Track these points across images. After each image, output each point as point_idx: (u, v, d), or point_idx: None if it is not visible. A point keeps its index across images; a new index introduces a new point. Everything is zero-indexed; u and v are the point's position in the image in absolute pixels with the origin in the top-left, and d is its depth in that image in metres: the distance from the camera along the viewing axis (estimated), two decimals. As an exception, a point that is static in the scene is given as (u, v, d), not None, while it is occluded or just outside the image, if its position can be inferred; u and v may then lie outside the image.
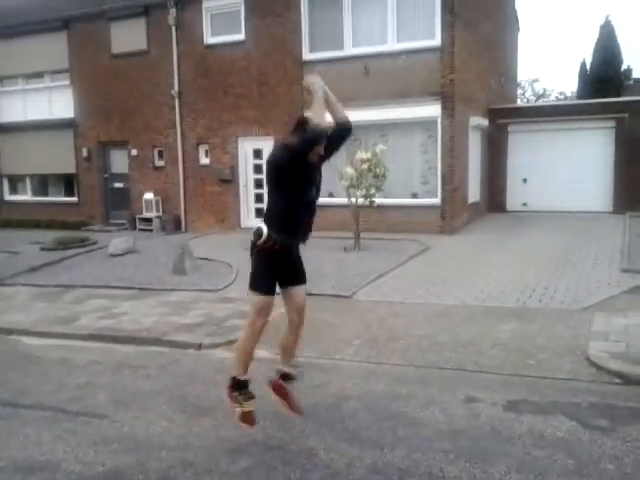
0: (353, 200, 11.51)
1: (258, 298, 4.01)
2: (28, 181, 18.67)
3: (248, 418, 4.03)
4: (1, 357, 6.35)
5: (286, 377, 4.30)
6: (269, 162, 4.03)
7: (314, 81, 3.98)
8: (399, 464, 3.72)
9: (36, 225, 16.95)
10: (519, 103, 27.54)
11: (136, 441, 4.18)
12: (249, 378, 4.12)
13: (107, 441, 4.19)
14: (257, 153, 15.01)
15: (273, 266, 3.99)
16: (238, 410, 4.03)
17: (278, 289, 4.15)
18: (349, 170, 11.22)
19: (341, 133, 4.13)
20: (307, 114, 3.92)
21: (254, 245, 3.97)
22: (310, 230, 4.15)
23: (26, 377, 5.60)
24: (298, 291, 4.18)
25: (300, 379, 4.42)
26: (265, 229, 3.90)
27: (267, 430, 4.19)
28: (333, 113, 4.13)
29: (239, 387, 4.06)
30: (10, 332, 7.19)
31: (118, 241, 12.29)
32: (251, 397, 4.07)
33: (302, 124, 3.89)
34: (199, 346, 6.28)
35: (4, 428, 4.49)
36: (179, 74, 15.48)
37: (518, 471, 3.57)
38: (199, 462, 3.85)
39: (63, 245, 12.93)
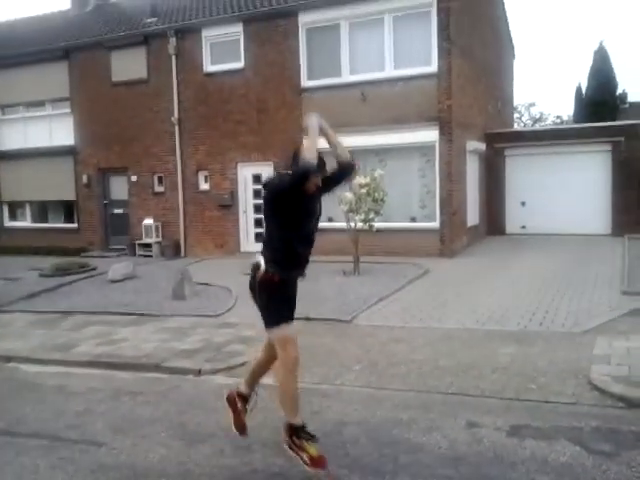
0: (352, 224, 11.53)
1: (279, 331, 3.88)
2: (28, 207, 18.72)
3: (319, 462, 3.78)
4: (-1, 385, 6.29)
5: (242, 396, 4.30)
6: (269, 193, 3.97)
7: (311, 118, 3.97)
8: (401, 491, 3.66)
9: (35, 251, 16.95)
10: (516, 127, 27.78)
11: (135, 469, 4.13)
12: (304, 422, 3.92)
13: (105, 469, 4.14)
14: (256, 178, 15.07)
15: (281, 296, 3.92)
16: (305, 457, 3.78)
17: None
18: (348, 194, 11.26)
19: (342, 173, 4.15)
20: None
21: (254, 281, 3.91)
22: (308, 262, 4.11)
23: (24, 405, 5.55)
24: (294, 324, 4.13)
25: (254, 405, 4.36)
26: (262, 263, 3.86)
27: (267, 458, 4.14)
28: (335, 153, 4.12)
29: (297, 433, 3.85)
30: (8, 359, 7.14)
31: (118, 267, 12.28)
32: (312, 438, 3.87)
33: (298, 156, 3.91)
34: (199, 372, 6.23)
35: (0, 457, 4.43)
36: (179, 101, 15.64)
37: (522, 497, 3.52)
38: (198, 490, 3.80)
39: (62, 271, 12.91)
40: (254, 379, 4.35)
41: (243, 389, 4.33)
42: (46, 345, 7.57)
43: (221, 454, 4.27)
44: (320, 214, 4.15)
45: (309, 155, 3.74)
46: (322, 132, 3.97)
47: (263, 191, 4.07)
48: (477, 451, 4.15)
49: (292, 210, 3.86)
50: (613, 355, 5.93)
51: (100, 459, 4.31)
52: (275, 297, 3.90)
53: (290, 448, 3.87)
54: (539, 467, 3.88)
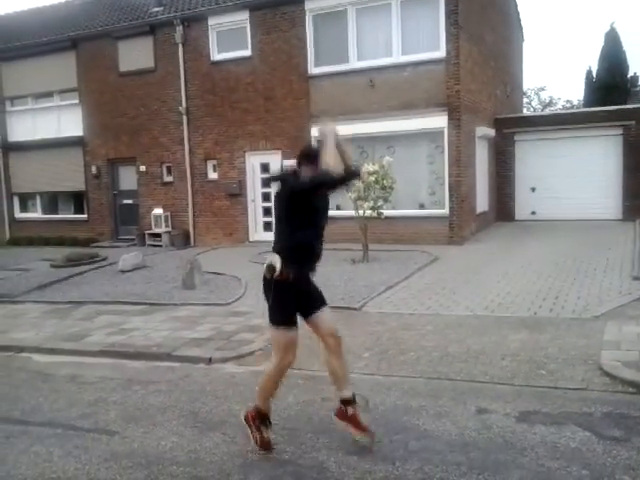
0: (361, 212, 11.51)
1: (281, 333, 3.94)
2: (38, 199, 18.84)
3: (267, 444, 4.09)
4: (12, 375, 6.37)
5: (346, 402, 4.09)
6: (286, 192, 3.98)
7: (325, 127, 4.04)
8: (411, 478, 3.68)
9: (46, 242, 17.08)
10: (525, 112, 27.53)
11: (147, 457, 4.18)
12: (269, 413, 4.16)
13: (118, 457, 4.19)
14: (264, 167, 15.08)
15: (291, 298, 3.93)
16: (257, 436, 4.07)
17: (304, 323, 4.09)
18: (356, 182, 11.23)
19: (346, 180, 4.12)
20: (321, 160, 3.93)
21: (269, 280, 3.90)
22: (320, 258, 4.15)
23: (37, 394, 5.61)
24: (324, 315, 4.10)
25: (362, 401, 4.39)
26: (278, 262, 3.84)
27: (278, 445, 4.17)
28: (343, 160, 4.11)
29: (262, 418, 4.10)
30: (21, 350, 7.22)
31: (127, 257, 12.35)
32: (269, 425, 4.14)
33: (307, 155, 4.05)
34: (209, 360, 6.28)
35: (15, 446, 4.50)
36: (186, 91, 15.62)
37: (532, 483, 3.53)
38: (210, 477, 3.84)
39: (73, 262, 13.00)
40: (341, 378, 4.14)
41: (343, 394, 4.11)
42: (58, 335, 7.64)
43: (232, 442, 4.31)
44: (328, 209, 4.21)
45: (330, 165, 3.83)
46: (335, 140, 3.98)
47: (275, 188, 4.11)
48: (487, 437, 4.16)
49: (309, 209, 3.94)
50: (623, 340, 5.91)
51: (113, 447, 4.37)
52: (285, 298, 3.90)
53: (247, 423, 4.12)
54: (548, 453, 3.88)
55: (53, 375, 6.22)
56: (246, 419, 4.14)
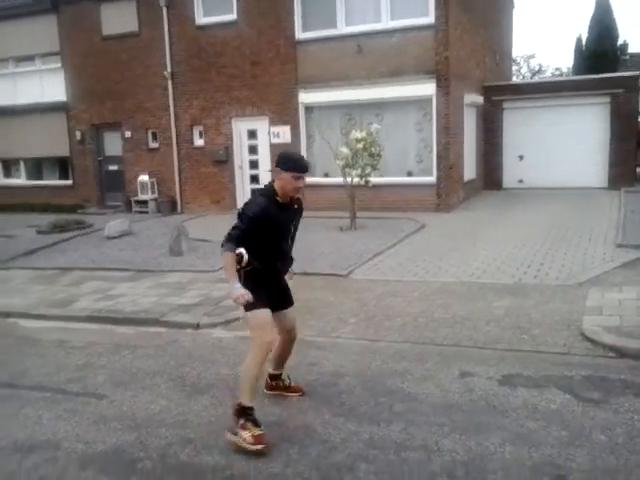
0: (349, 180, 11.49)
1: (253, 314, 3.86)
2: (22, 165, 18.55)
3: (260, 438, 3.72)
4: None
5: (274, 377, 4.44)
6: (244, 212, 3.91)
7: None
8: (395, 438, 3.78)
9: (31, 209, 16.88)
10: (514, 80, 27.38)
11: (136, 420, 4.23)
12: (253, 405, 3.88)
13: (107, 420, 4.25)
14: (252, 133, 14.93)
15: (261, 284, 3.90)
16: (248, 435, 3.72)
17: None
18: (344, 150, 11.18)
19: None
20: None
21: (238, 270, 3.82)
22: (292, 261, 4.21)
23: (24, 359, 5.64)
24: (290, 314, 4.19)
25: (287, 379, 4.50)
26: (245, 254, 3.81)
27: (265, 407, 4.24)
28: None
29: (246, 414, 3.82)
30: (7, 315, 7.22)
31: (114, 224, 12.28)
32: (258, 424, 3.79)
33: (285, 161, 3.90)
34: (197, 326, 6.32)
35: (4, 408, 4.54)
36: (171, 55, 15.30)
37: (512, 443, 3.63)
38: (199, 439, 3.91)
39: (59, 228, 12.91)
40: (280, 362, 4.42)
41: (273, 371, 4.42)
42: (45, 301, 7.64)
43: (220, 405, 4.38)
44: (296, 230, 4.16)
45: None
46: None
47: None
48: (470, 399, 4.26)
49: (264, 235, 3.87)
50: (605, 306, 6.02)
51: (102, 410, 4.42)
52: (256, 284, 3.85)
53: (230, 432, 3.81)
54: (529, 414, 3.99)
55: (41, 340, 6.24)
56: (232, 432, 3.84)
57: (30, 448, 3.91)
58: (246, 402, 3.83)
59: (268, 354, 3.95)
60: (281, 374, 4.47)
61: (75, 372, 5.23)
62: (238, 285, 3.76)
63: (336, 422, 4.02)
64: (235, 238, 3.81)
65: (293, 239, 4.17)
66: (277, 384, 4.46)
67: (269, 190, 3.94)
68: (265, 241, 3.88)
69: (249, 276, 3.86)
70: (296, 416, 4.14)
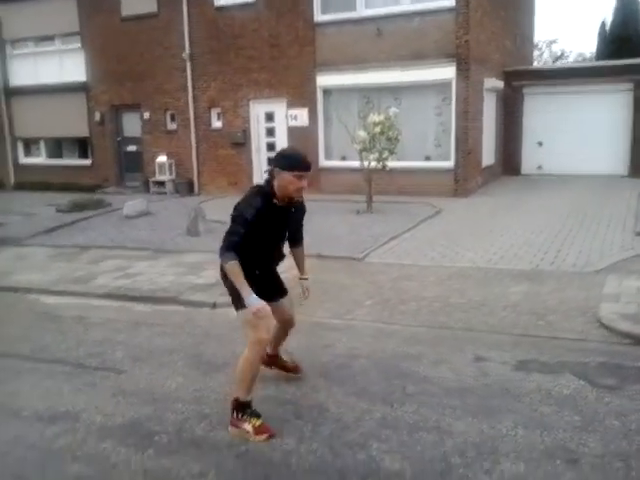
0: (366, 163, 11.46)
1: (244, 312, 3.66)
2: (42, 144, 18.71)
3: (262, 428, 3.65)
4: (20, 315, 6.50)
5: (271, 357, 4.38)
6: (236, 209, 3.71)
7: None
8: (408, 419, 3.81)
9: (50, 188, 17.04)
10: (535, 65, 26.98)
11: (153, 395, 4.31)
12: (251, 398, 3.79)
13: (125, 394, 4.33)
14: (269, 116, 14.92)
15: (255, 281, 3.68)
16: (249, 427, 3.65)
17: None
18: (362, 133, 11.15)
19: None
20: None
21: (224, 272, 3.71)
22: (282, 258, 4.02)
23: (45, 334, 5.75)
24: (286, 302, 4.13)
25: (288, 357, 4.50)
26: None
27: (280, 386, 4.30)
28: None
29: (243, 409, 3.72)
30: (28, 291, 7.34)
31: (132, 204, 12.39)
32: (257, 415, 3.72)
33: (283, 160, 3.63)
34: (213, 305, 6.39)
35: (26, 381, 4.65)
36: (190, 37, 15.30)
37: (524, 426, 3.65)
38: (214, 414, 3.97)
39: (79, 207, 13.05)
40: (277, 344, 4.35)
41: (271, 351, 4.33)
42: (65, 278, 7.76)
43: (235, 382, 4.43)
44: (301, 227, 4.08)
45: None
46: None
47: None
48: (483, 383, 4.28)
49: (258, 237, 3.66)
50: (622, 294, 5.98)
51: (120, 385, 4.51)
52: (250, 282, 3.63)
53: (233, 425, 3.73)
54: (543, 399, 4.00)
55: (61, 316, 6.35)
56: (232, 424, 3.77)
57: (50, 419, 4.00)
58: (243, 397, 3.74)
59: (262, 354, 3.81)
60: (277, 355, 4.43)
61: (94, 347, 5.32)
62: (254, 297, 3.54)
63: (349, 402, 4.06)
64: (235, 246, 3.59)
65: (300, 231, 4.09)
66: (274, 362, 4.44)
67: (266, 190, 3.66)
68: (258, 243, 3.69)
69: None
70: (310, 395, 4.19)
